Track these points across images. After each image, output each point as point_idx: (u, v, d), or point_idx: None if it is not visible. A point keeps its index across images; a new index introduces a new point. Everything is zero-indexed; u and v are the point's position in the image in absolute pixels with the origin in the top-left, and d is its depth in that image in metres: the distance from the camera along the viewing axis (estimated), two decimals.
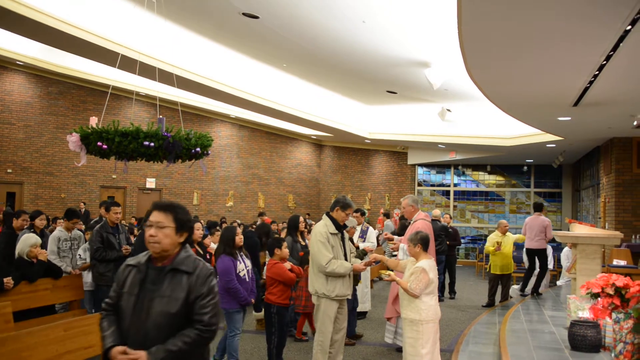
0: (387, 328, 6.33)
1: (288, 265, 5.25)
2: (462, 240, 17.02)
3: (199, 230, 5.53)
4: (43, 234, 6.61)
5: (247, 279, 5.16)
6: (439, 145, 15.33)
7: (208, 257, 5.67)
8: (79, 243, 6.47)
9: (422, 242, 4.55)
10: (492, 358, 5.48)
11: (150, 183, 16.96)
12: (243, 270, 5.15)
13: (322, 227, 4.81)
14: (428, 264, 4.46)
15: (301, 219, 7.00)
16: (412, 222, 6.02)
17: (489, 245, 9.19)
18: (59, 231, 6.37)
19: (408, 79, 9.71)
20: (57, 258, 6.20)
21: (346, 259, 4.85)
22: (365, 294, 7.82)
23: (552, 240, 10.49)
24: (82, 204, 14.86)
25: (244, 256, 5.28)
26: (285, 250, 5.28)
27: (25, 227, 6.56)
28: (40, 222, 6.61)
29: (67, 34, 8.59)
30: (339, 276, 4.69)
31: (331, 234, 4.77)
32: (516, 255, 11.27)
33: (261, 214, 14.84)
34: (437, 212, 10.47)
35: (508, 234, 9.24)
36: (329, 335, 4.71)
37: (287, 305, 5.23)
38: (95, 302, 6.15)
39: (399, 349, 6.21)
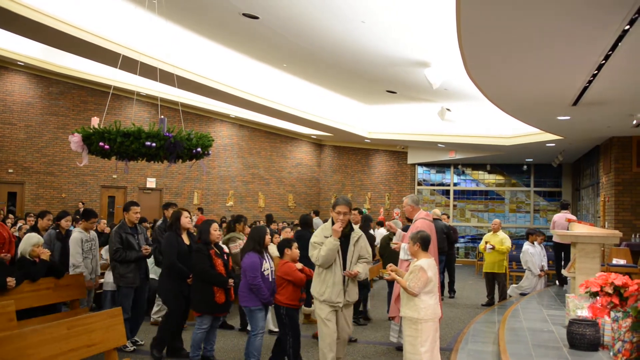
0: (392, 327, 6.37)
1: (299, 266, 5.21)
2: (462, 240, 17.07)
3: (216, 231, 5.48)
4: (67, 235, 6.57)
5: (270, 279, 5.19)
6: (439, 145, 15.36)
7: (226, 257, 5.63)
8: (95, 244, 6.47)
9: (421, 241, 4.58)
10: (492, 357, 5.50)
11: (151, 183, 17.00)
12: (267, 269, 5.19)
13: (320, 230, 4.70)
14: (427, 262, 4.49)
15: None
16: (413, 221, 6.06)
17: (481, 245, 9.67)
18: (79, 232, 6.33)
19: (408, 79, 9.74)
20: (81, 260, 6.18)
21: (344, 267, 4.61)
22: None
23: (552, 240, 10.57)
24: (80, 203, 14.89)
25: (269, 256, 5.33)
26: (295, 251, 5.24)
27: (51, 227, 6.60)
28: (65, 222, 6.61)
29: (68, 35, 8.62)
30: (329, 257, 4.52)
31: (327, 237, 4.58)
32: (514, 255, 11.34)
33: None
34: (437, 211, 10.57)
35: (499, 233, 9.44)
36: (327, 338, 4.53)
37: (297, 307, 5.17)
38: (115, 304, 6.08)
39: (399, 348, 6.24)
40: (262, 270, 5.11)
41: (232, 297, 5.48)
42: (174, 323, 5.61)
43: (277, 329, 6.80)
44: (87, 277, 6.26)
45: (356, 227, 4.65)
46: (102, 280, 6.73)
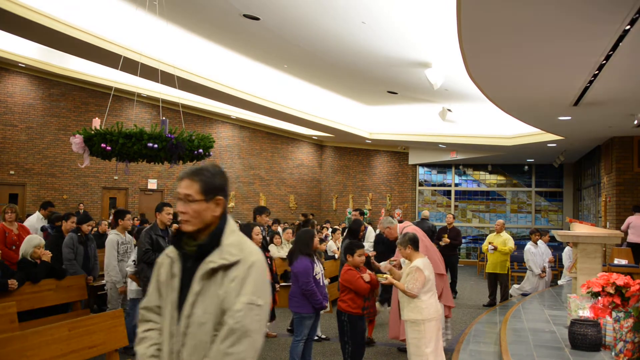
0: None
1: (367, 277, 4.86)
2: (463, 240, 17.06)
3: (258, 235, 5.23)
4: (88, 238, 6.50)
5: (322, 283, 5.04)
6: (440, 145, 15.35)
7: (269, 262, 5.42)
8: (131, 247, 6.28)
9: (411, 242, 4.60)
10: (493, 357, 5.50)
11: (152, 184, 17.01)
12: (319, 273, 5.04)
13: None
14: (422, 262, 4.50)
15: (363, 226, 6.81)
16: (400, 235, 6.11)
17: (484, 245, 9.66)
18: (116, 234, 6.14)
19: (408, 80, 9.74)
20: (116, 264, 5.96)
21: (179, 322, 1.94)
22: None
23: (554, 240, 10.58)
24: (80, 205, 14.91)
25: (318, 259, 5.18)
26: (357, 258, 4.88)
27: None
28: (87, 227, 6.47)
29: (68, 36, 8.63)
30: None
31: (168, 256, 2.09)
32: (516, 255, 11.33)
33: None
34: (425, 212, 10.80)
35: (502, 233, 9.46)
36: None
37: (360, 315, 4.89)
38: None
39: (400, 349, 6.24)
40: (314, 274, 4.94)
41: (277, 302, 5.26)
42: None
43: (324, 336, 6.73)
44: (119, 283, 5.96)
45: (237, 237, 2.04)
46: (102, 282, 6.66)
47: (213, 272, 1.93)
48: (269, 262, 5.36)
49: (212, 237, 1.99)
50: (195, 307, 1.91)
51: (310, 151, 20.16)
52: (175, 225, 5.61)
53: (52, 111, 15.59)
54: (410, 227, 6.02)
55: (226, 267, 1.92)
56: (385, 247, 7.13)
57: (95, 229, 11.39)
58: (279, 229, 11.76)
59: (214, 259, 1.93)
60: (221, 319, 1.88)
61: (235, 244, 1.99)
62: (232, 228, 2.05)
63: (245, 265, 1.92)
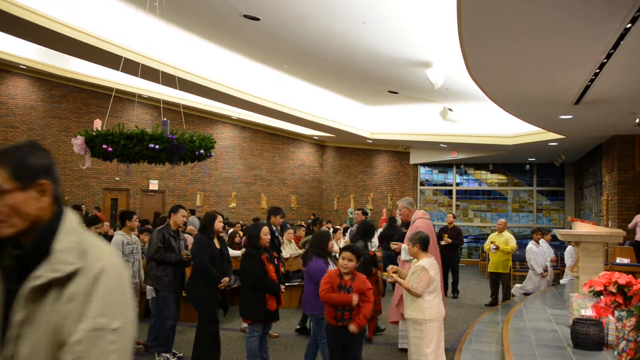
0: (399, 334, 6.32)
1: (355, 299, 4.24)
2: (465, 239, 17.03)
3: (266, 235, 5.13)
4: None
5: None
6: (441, 145, 15.34)
7: (276, 262, 5.30)
8: (137, 248, 6.30)
9: (421, 242, 4.59)
10: (495, 357, 5.49)
11: (153, 185, 17.02)
12: None
13: None
14: (428, 262, 4.49)
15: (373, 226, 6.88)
16: (411, 222, 6.09)
17: (486, 244, 9.63)
18: (121, 235, 6.15)
19: (409, 79, 9.73)
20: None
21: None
22: None
23: (556, 239, 10.58)
24: (82, 206, 14.92)
25: (332, 261, 5.13)
26: (340, 261, 4.46)
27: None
28: (95, 229, 6.48)
29: (69, 38, 8.64)
30: None
31: None
32: (518, 254, 11.32)
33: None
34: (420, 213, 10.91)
35: (504, 232, 9.45)
36: None
37: (334, 325, 4.36)
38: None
39: (402, 349, 6.24)
40: None
41: (281, 302, 5.20)
42: (213, 332, 5.33)
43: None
44: None
45: (77, 237, 1.44)
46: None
47: (42, 291, 1.35)
48: (276, 262, 5.29)
49: (39, 240, 1.40)
50: (21, 343, 1.35)
51: (311, 151, 20.15)
52: (190, 227, 5.63)
53: (53, 113, 15.61)
54: (421, 220, 5.94)
55: (61, 282, 1.35)
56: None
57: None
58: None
59: (41, 273, 1.36)
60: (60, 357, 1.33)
61: (72, 247, 1.40)
62: (70, 225, 1.46)
63: (88, 275, 1.35)
